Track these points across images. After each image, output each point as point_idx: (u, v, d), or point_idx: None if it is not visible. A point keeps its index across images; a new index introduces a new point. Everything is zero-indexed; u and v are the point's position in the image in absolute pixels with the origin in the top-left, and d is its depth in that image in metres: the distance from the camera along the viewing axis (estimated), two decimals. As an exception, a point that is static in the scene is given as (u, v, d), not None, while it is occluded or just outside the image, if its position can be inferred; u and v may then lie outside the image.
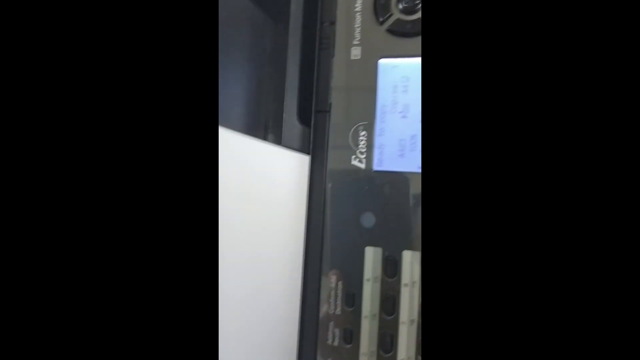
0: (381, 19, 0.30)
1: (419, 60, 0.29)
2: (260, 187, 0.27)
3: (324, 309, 0.29)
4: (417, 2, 0.29)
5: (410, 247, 0.28)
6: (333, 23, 0.31)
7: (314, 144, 0.31)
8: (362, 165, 0.30)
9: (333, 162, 0.30)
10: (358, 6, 0.30)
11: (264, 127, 0.33)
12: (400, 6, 0.29)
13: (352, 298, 0.29)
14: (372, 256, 0.29)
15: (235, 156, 0.25)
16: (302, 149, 0.30)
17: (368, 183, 0.29)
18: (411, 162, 0.29)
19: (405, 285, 0.28)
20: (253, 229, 0.26)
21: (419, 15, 0.29)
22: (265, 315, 0.27)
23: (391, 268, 0.28)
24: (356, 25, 0.30)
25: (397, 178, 0.29)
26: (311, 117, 0.31)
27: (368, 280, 0.29)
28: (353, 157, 0.30)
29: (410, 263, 0.28)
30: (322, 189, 0.30)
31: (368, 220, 0.29)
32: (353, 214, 0.30)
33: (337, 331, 0.29)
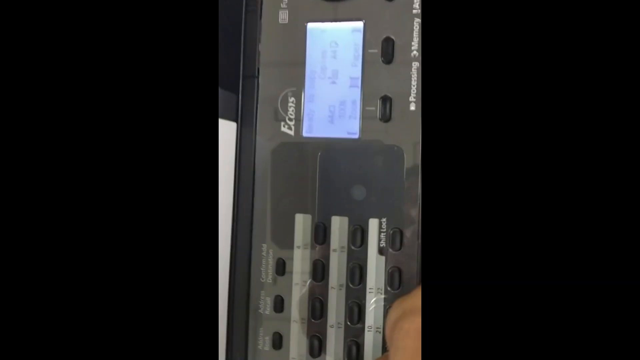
0: (309, -19, 0.29)
1: (348, 24, 0.29)
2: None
3: (254, 278, 0.29)
4: None
5: (337, 213, 0.28)
6: None
7: (242, 111, 0.30)
8: (292, 132, 0.29)
9: (262, 130, 0.29)
10: (284, -33, 0.29)
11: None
12: (328, -31, 0.29)
13: (283, 266, 0.29)
14: (302, 223, 0.29)
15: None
16: (227, 116, 0.29)
17: (297, 150, 0.29)
18: (340, 128, 0.29)
19: (334, 250, 0.28)
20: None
21: (347, -21, 0.29)
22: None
23: (321, 234, 0.28)
24: (283, -12, 0.29)
25: (327, 144, 0.29)
26: (238, 82, 0.30)
27: (298, 247, 0.29)
28: (282, 124, 0.29)
29: (339, 229, 0.28)
30: (250, 157, 0.30)
31: (298, 187, 0.29)
32: (283, 182, 0.29)
33: (268, 300, 0.29)
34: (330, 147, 0.29)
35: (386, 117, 0.28)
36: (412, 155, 0.27)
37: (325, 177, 0.29)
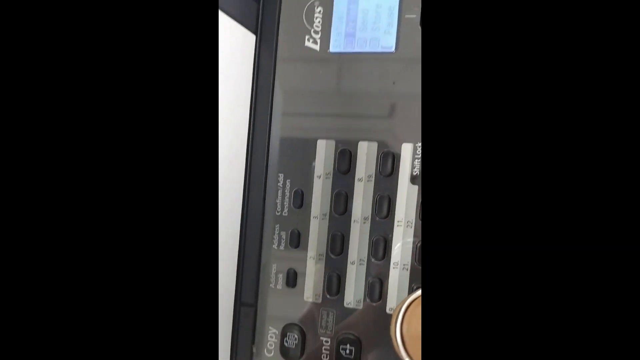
0: None
1: None
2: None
3: (269, 211, 0.26)
4: None
5: (365, 138, 0.24)
6: None
7: (262, 21, 0.26)
8: (317, 47, 0.26)
9: (284, 43, 0.26)
10: None
11: None
12: None
13: (301, 198, 0.25)
14: (324, 150, 0.25)
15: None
16: (246, 25, 0.26)
17: (323, 67, 0.25)
18: (374, 42, 0.25)
19: (360, 180, 0.24)
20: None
21: None
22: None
23: (345, 162, 0.25)
24: None
25: (358, 59, 0.25)
26: (260, -11, 0.26)
27: (319, 177, 0.25)
28: (307, 37, 0.26)
29: (367, 155, 0.24)
30: (270, 73, 0.26)
31: (321, 109, 0.25)
32: (305, 103, 0.26)
33: (283, 234, 0.26)
34: (360, 62, 0.25)
35: (428, 26, 0.24)
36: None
37: (353, 97, 0.25)
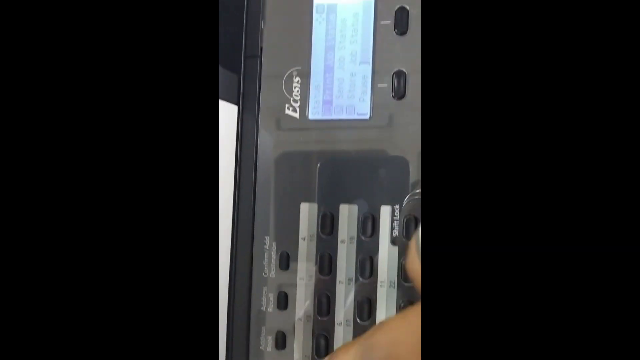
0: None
1: (357, 1, 0.26)
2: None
3: (256, 273, 0.27)
4: None
5: (346, 201, 0.26)
6: None
7: (243, 93, 0.28)
8: (297, 115, 0.27)
9: (265, 112, 0.27)
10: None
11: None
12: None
13: (287, 260, 0.26)
14: (307, 212, 0.26)
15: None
16: (227, 98, 0.27)
17: (303, 134, 0.27)
18: (350, 109, 0.26)
19: (342, 242, 0.25)
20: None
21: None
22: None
23: (328, 224, 0.26)
24: (288, -40, 0.27)
25: (335, 126, 0.26)
26: (240, 62, 0.28)
27: (303, 239, 0.26)
28: (287, 105, 0.27)
29: (348, 218, 0.25)
30: (252, 141, 0.27)
31: (304, 174, 0.27)
32: (287, 168, 0.27)
33: (271, 296, 0.26)
34: (338, 129, 0.26)
35: (400, 94, 0.25)
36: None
37: (334, 162, 0.26)
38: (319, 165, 0.26)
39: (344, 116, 0.26)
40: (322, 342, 0.25)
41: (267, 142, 0.27)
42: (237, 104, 0.28)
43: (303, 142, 0.27)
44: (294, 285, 0.26)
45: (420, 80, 0.25)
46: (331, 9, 0.27)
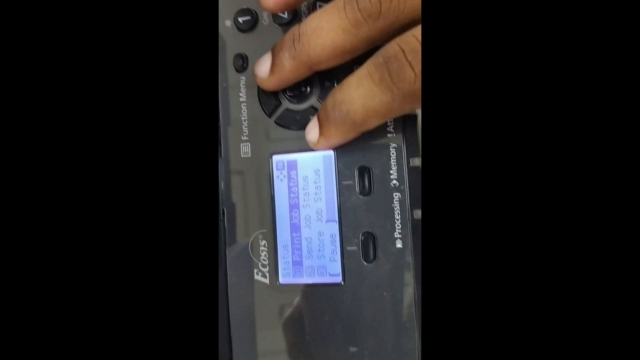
0: (268, 110, 0.26)
1: (316, 154, 0.25)
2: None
3: None
4: (304, 88, 0.26)
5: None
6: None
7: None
8: (267, 280, 0.26)
9: (234, 280, 0.26)
10: (243, 96, 0.27)
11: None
12: (289, 94, 0.26)
13: None
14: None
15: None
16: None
17: (274, 299, 0.26)
18: (321, 271, 0.25)
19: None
20: None
21: (310, 103, 0.26)
22: None
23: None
24: (243, 118, 0.27)
25: (307, 291, 0.25)
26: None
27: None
28: (256, 271, 0.26)
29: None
30: (224, 307, 0.26)
31: (275, 341, 0.25)
32: (261, 334, 0.26)
33: None
34: (310, 294, 0.25)
35: (370, 258, 0.24)
36: (406, 299, 0.24)
37: (308, 327, 0.25)
38: (294, 327, 0.25)
39: (316, 277, 0.25)
40: None
41: (240, 306, 0.26)
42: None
43: (275, 309, 0.26)
44: None
45: (388, 243, 0.24)
46: (291, 165, 0.26)
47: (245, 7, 0.26)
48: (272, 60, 0.23)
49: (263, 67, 0.24)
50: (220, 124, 0.27)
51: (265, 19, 0.26)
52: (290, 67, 0.23)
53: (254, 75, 0.25)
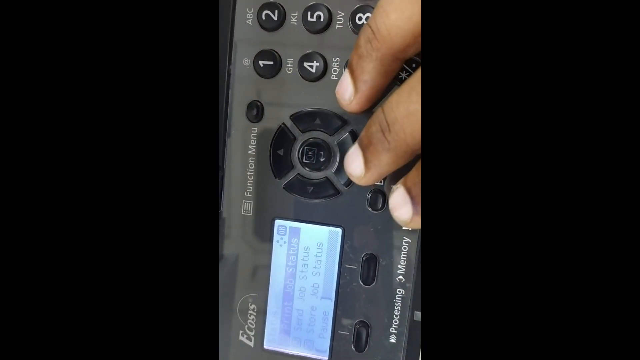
0: (279, 172, 0.24)
1: (323, 228, 0.24)
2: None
3: None
4: (323, 159, 0.23)
5: None
6: (221, 167, 0.24)
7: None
8: (251, 344, 0.25)
9: (218, 338, 0.25)
10: (252, 148, 0.24)
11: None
12: (305, 159, 0.23)
13: None
14: None
15: None
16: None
17: (257, 363, 0.25)
18: (309, 344, 0.25)
19: None
20: None
21: (325, 174, 0.23)
22: None
23: None
24: (249, 174, 0.24)
25: (291, 363, 0.25)
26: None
27: None
28: (241, 332, 0.25)
29: None
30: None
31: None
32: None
33: None
34: None
35: (360, 347, 0.24)
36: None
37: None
38: None
39: (301, 349, 0.25)
40: None
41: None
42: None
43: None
44: None
45: (382, 336, 0.24)
46: (294, 233, 0.24)
47: (267, 48, 0.23)
48: (363, 157, 0.21)
49: (355, 165, 0.21)
50: (223, 175, 0.24)
51: (289, 66, 0.23)
52: (388, 160, 0.20)
53: (348, 175, 0.21)
